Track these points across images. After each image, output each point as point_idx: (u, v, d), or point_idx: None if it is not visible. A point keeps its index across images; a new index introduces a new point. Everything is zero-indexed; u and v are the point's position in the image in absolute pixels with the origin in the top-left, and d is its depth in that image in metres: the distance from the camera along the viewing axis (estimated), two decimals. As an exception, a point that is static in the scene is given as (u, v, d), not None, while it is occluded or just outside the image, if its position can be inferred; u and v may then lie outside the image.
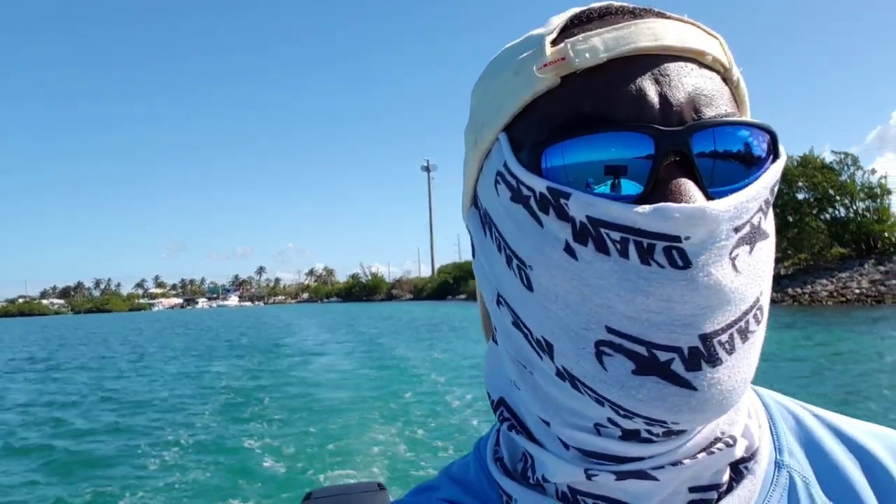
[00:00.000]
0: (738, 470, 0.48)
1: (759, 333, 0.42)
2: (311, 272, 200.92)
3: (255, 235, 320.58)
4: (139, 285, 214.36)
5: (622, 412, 0.41)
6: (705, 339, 0.39)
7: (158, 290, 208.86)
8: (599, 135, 0.41)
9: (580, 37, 0.43)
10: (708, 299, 0.39)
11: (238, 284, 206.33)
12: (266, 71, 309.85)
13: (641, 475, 0.44)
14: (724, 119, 0.42)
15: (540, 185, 0.42)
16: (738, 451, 0.47)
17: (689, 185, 0.40)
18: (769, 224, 0.43)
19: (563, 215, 0.41)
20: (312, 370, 15.64)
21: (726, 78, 0.46)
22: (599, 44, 0.42)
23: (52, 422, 10.73)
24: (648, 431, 0.43)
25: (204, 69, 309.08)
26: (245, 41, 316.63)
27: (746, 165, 0.43)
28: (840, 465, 0.51)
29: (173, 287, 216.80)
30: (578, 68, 0.42)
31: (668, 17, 0.45)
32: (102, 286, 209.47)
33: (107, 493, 6.67)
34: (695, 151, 0.41)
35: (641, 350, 0.39)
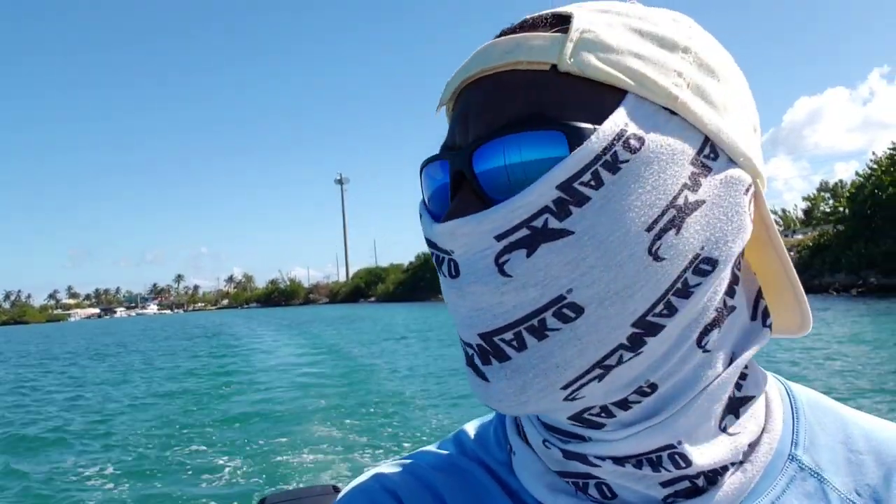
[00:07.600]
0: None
1: (567, 330, 0.42)
2: (230, 279, 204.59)
3: (165, 240, 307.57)
4: (52, 296, 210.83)
5: None
6: (485, 337, 0.43)
7: (72, 301, 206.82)
8: (431, 164, 0.48)
9: (454, 74, 0.48)
10: (476, 303, 0.43)
11: (157, 293, 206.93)
12: (170, 68, 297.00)
13: (583, 459, 0.46)
14: (498, 133, 0.42)
15: (421, 206, 0.50)
16: (700, 462, 0.45)
17: (462, 203, 0.44)
18: (574, 221, 0.41)
19: None
20: (255, 372, 15.69)
21: (563, 71, 0.43)
22: (454, 79, 0.47)
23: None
24: (598, 414, 0.45)
25: (104, 63, 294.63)
26: (154, 33, 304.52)
27: (542, 168, 0.42)
28: (865, 468, 0.51)
29: (87, 297, 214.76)
30: (443, 106, 0.50)
31: (521, 27, 0.46)
32: (13, 298, 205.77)
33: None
34: (479, 168, 0.43)
35: (463, 346, 0.46)
